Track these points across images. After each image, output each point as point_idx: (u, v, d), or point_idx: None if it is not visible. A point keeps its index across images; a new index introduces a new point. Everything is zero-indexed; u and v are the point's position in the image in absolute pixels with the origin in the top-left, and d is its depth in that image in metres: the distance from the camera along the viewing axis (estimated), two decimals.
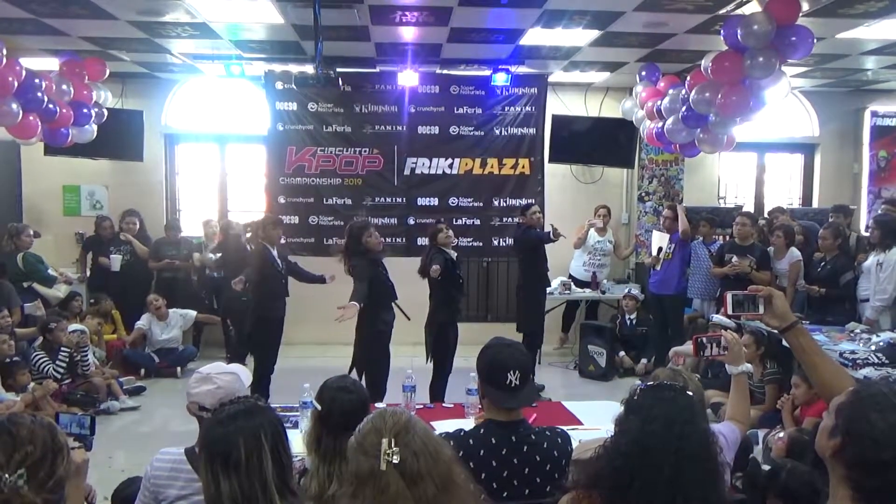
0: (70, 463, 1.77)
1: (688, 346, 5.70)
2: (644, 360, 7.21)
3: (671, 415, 1.67)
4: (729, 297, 2.15)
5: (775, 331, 2.11)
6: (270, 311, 5.94)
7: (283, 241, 7.28)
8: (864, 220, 8.47)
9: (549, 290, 7.12)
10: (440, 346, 5.72)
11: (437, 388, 5.66)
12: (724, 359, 2.66)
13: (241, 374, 2.62)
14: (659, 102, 6.53)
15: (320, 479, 2.33)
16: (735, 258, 6.49)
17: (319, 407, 2.45)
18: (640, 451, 1.63)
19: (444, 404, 4.30)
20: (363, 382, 4.96)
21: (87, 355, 6.12)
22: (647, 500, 1.59)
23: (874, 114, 8.69)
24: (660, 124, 6.52)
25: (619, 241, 8.31)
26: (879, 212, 7.34)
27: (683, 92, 5.95)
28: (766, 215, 7.85)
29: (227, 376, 2.53)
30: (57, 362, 5.91)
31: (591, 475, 1.70)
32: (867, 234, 7.02)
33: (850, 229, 7.40)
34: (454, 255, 5.78)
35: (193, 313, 7.53)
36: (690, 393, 1.78)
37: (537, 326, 6.69)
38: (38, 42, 6.63)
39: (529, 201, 7.29)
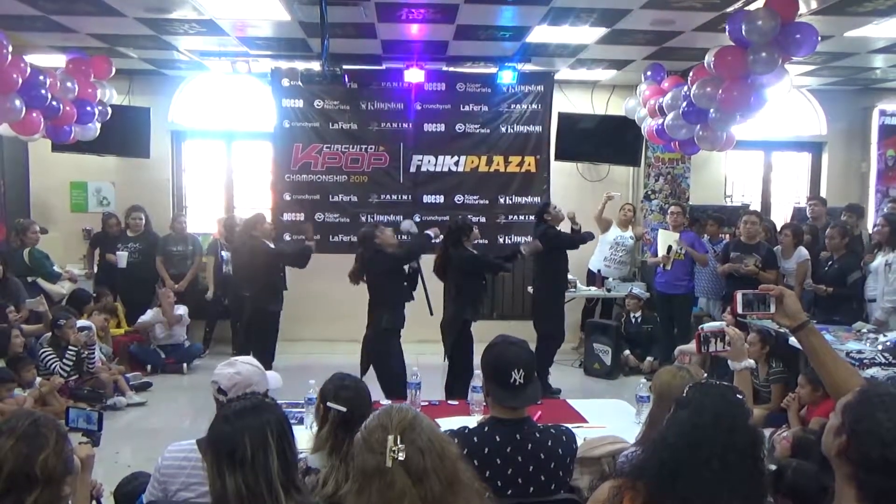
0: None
1: (693, 345, 5.68)
2: (650, 359, 7.19)
3: (720, 409, 1.66)
4: (739, 296, 2.10)
5: (786, 330, 2.09)
6: (268, 304, 6.04)
7: (287, 237, 7.31)
8: (871, 220, 8.42)
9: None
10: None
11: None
12: (726, 354, 2.66)
13: (272, 378, 2.70)
14: (661, 100, 6.51)
15: (338, 479, 2.32)
16: (744, 260, 6.45)
17: (342, 409, 2.46)
18: (689, 443, 1.61)
19: (449, 402, 4.29)
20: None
21: (93, 353, 6.14)
22: (694, 493, 1.57)
23: (882, 112, 8.63)
24: (661, 121, 6.49)
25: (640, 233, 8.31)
26: (886, 210, 7.30)
27: (686, 88, 5.93)
28: (805, 204, 7.73)
29: (250, 367, 2.60)
30: (64, 360, 5.93)
31: (636, 466, 1.69)
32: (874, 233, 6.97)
33: (858, 228, 7.35)
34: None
35: (184, 308, 7.43)
36: (741, 396, 1.77)
37: (554, 328, 6.61)
38: (47, 39, 6.65)
39: (546, 201, 7.12)
